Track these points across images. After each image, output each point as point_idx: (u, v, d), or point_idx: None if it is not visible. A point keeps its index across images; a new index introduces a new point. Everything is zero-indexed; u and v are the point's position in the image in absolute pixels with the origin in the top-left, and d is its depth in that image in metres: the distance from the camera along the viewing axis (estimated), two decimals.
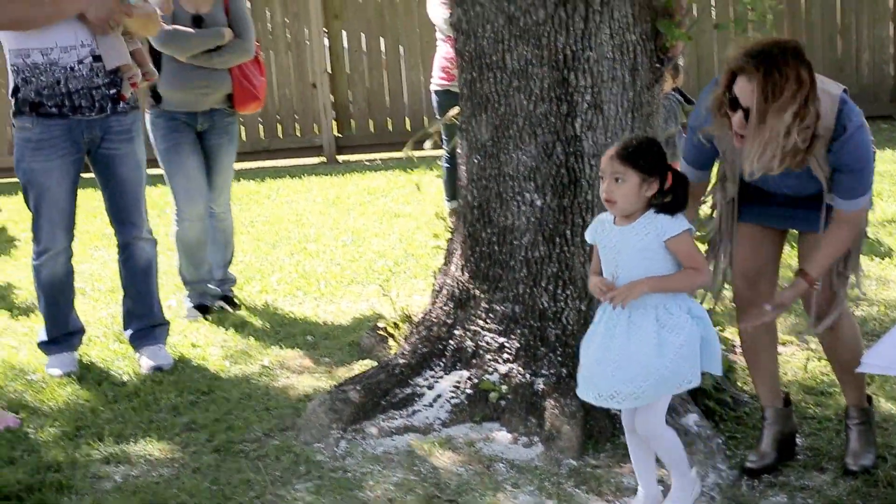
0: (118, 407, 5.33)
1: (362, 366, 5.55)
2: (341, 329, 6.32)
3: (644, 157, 3.85)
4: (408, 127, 12.78)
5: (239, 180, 11.40)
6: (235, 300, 6.92)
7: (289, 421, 5.01)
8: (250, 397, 5.36)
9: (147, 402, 5.40)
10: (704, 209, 4.53)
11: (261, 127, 13.09)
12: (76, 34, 5.55)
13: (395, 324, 5.75)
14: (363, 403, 4.88)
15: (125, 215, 5.87)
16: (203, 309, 6.74)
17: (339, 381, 5.18)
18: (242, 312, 6.73)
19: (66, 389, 5.59)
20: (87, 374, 5.78)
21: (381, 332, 5.81)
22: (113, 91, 5.68)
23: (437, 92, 8.51)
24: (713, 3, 12.61)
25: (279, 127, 13.11)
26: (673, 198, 3.88)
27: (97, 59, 5.61)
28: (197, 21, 6.56)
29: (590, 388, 3.95)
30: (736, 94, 3.84)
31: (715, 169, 4.34)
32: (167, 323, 6.12)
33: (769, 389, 4.50)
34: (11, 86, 5.65)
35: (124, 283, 6.02)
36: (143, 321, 5.99)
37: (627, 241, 3.89)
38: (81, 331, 6.07)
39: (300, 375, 5.63)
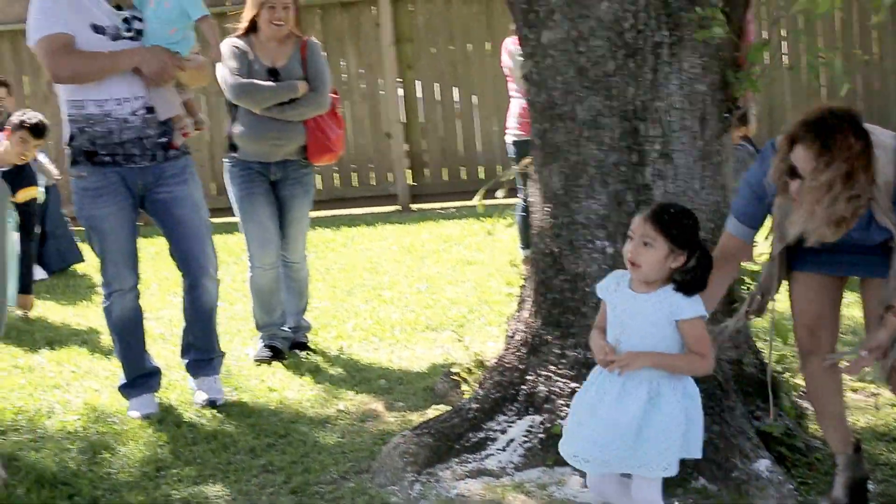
0: (197, 449, 5.44)
1: (436, 410, 5.62)
2: (415, 374, 6.42)
3: (678, 226, 3.81)
4: (481, 175, 12.89)
5: (315, 228, 11.53)
6: (309, 346, 7.04)
7: (364, 464, 5.10)
8: (326, 440, 5.46)
9: (225, 444, 5.52)
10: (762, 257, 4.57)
11: (336, 175, 13.26)
12: (130, 87, 5.73)
13: (468, 369, 5.84)
14: (437, 447, 4.96)
15: (189, 256, 5.99)
16: (274, 350, 6.87)
17: (414, 426, 5.27)
18: (318, 358, 6.84)
19: (146, 431, 5.72)
20: (167, 417, 5.91)
21: (454, 378, 5.90)
22: (164, 139, 5.84)
23: (514, 142, 8.62)
24: (785, 52, 12.62)
25: (354, 175, 13.27)
26: (694, 277, 3.83)
27: (150, 110, 5.78)
28: (273, 73, 6.70)
29: (569, 446, 3.95)
30: (794, 162, 3.89)
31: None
32: (223, 354, 6.31)
33: (839, 435, 4.50)
34: (67, 135, 5.82)
35: (187, 318, 6.17)
36: (202, 354, 6.18)
37: (640, 310, 3.86)
38: (158, 372, 6.21)
39: (375, 419, 5.72)
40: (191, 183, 5.96)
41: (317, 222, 11.83)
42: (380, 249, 10.31)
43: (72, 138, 5.80)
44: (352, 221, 11.97)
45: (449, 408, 5.46)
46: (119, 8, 5.75)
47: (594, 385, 3.93)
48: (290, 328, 7.04)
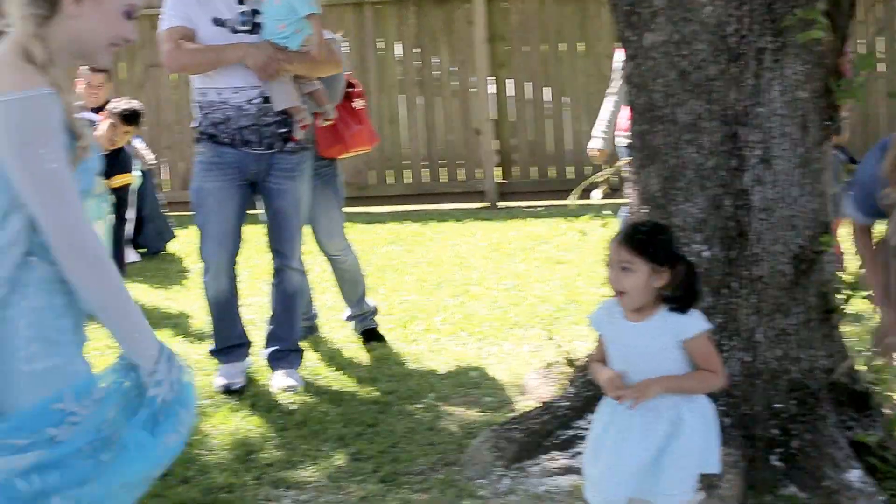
0: (287, 434, 5.53)
1: (524, 406, 5.67)
2: (504, 370, 6.46)
3: (653, 244, 3.65)
4: (570, 175, 12.85)
5: (403, 222, 11.64)
6: (379, 331, 7.15)
7: (452, 456, 5.16)
8: (415, 431, 5.52)
9: (315, 431, 5.60)
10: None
11: (425, 171, 13.32)
12: (246, 77, 5.97)
13: (558, 367, 5.87)
14: (526, 443, 5.01)
15: (279, 245, 6.29)
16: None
17: (503, 421, 5.32)
18: (407, 350, 6.90)
19: (237, 415, 5.82)
20: (258, 402, 6.01)
21: (544, 375, 5.93)
22: (283, 130, 6.05)
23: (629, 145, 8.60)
24: (884, 61, 12.50)
25: (443, 171, 13.32)
26: (685, 292, 3.68)
27: (266, 100, 6.01)
28: None
29: (598, 494, 3.84)
30: None
31: None
32: (301, 351, 6.47)
33: None
34: (196, 117, 6.18)
35: (272, 305, 6.44)
36: (282, 344, 6.35)
37: (642, 339, 3.70)
38: (247, 344, 6.44)
39: (464, 413, 5.78)
40: (299, 179, 6.21)
41: (405, 216, 11.94)
42: (468, 245, 10.35)
43: (197, 121, 6.14)
44: (440, 217, 12.02)
45: (538, 404, 5.50)
46: (241, 2, 6.01)
47: (612, 426, 3.77)
48: (352, 316, 7.21)
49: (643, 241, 3.63)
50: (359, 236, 10.88)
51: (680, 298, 3.67)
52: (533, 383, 5.99)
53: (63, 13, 2.87)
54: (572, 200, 6.95)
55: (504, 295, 8.24)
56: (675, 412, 3.68)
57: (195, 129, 6.18)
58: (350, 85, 6.98)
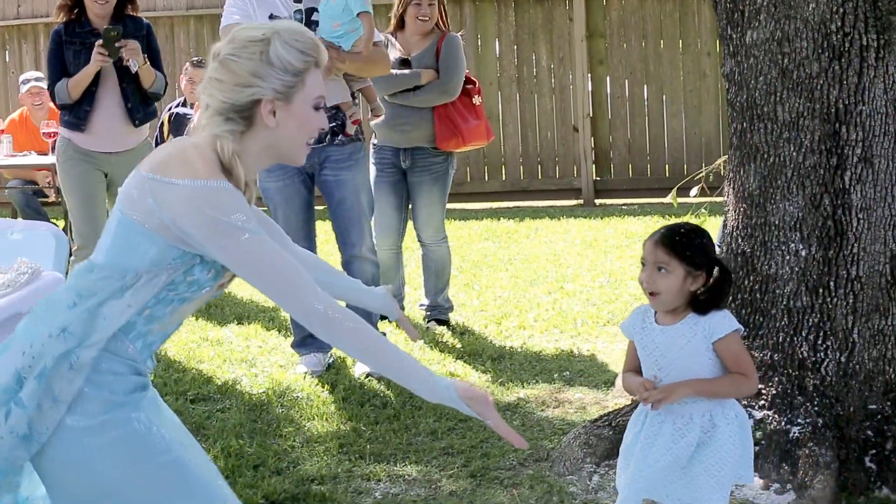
0: (379, 428, 5.55)
1: (616, 404, 5.64)
2: (596, 367, 6.44)
3: (692, 247, 3.58)
4: (666, 174, 12.81)
5: (498, 219, 11.67)
6: (449, 324, 7.32)
7: (542, 452, 5.15)
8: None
9: (406, 425, 5.62)
10: None
11: (521, 168, 13.32)
12: None
13: None
14: (617, 440, 4.95)
15: (345, 235, 6.41)
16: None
17: (594, 418, 5.30)
18: (501, 346, 6.91)
19: (329, 408, 5.86)
20: (351, 396, 6.04)
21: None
22: (333, 124, 6.17)
23: None
24: None
25: (539, 168, 13.31)
26: (712, 294, 3.61)
27: None
28: (404, 63, 7.05)
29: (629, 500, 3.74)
30: None
31: None
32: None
33: None
34: None
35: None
36: None
37: (673, 342, 3.63)
38: None
39: (555, 409, 5.77)
40: (356, 168, 6.34)
41: (500, 213, 11.97)
42: (562, 242, 10.33)
43: None
44: (535, 214, 12.01)
45: (629, 402, 5.47)
46: (298, 0, 6.15)
47: (643, 431, 3.72)
48: (428, 306, 7.41)
49: (682, 242, 3.57)
50: (454, 232, 10.94)
51: (709, 301, 3.60)
52: (624, 382, 5.93)
53: (258, 125, 2.96)
54: (671, 198, 6.91)
55: (598, 292, 8.21)
56: (707, 418, 3.62)
57: None
58: (470, 82, 7.24)
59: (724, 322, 3.60)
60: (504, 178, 13.35)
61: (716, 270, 3.62)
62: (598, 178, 13.15)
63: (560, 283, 8.57)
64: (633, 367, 3.82)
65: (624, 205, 12.41)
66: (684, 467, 3.61)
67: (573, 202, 12.85)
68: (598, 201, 12.88)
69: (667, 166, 12.99)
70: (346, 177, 6.31)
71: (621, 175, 13.20)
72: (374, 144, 7.28)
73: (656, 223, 10.85)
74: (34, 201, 10.37)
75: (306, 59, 2.97)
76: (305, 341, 6.53)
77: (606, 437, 4.98)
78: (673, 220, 9.88)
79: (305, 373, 6.40)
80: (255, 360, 6.78)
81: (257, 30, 2.98)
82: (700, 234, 3.66)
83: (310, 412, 5.82)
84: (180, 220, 2.84)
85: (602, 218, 11.58)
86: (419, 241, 7.42)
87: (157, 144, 8.60)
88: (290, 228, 6.22)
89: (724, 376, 3.61)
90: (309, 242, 6.44)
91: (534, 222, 11.47)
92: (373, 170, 7.19)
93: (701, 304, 3.59)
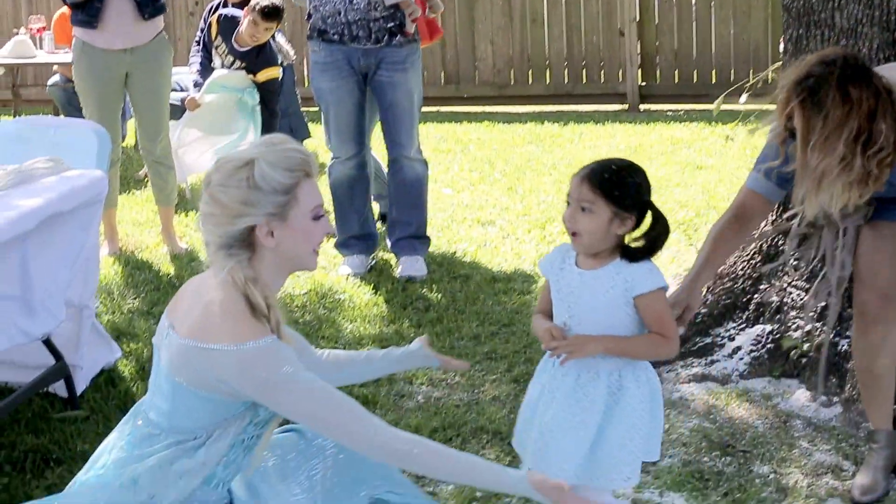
0: (422, 332, 5.53)
1: None
2: None
3: (620, 186, 3.18)
4: (713, 80, 12.63)
5: (543, 123, 11.57)
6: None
7: None
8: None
9: (449, 329, 5.61)
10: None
11: (566, 71, 13.18)
12: None
13: None
14: None
15: (395, 136, 6.44)
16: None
17: None
18: (545, 251, 6.85)
19: (371, 311, 5.87)
20: (394, 298, 6.04)
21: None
22: (391, 24, 6.22)
23: None
24: None
25: (584, 72, 13.16)
26: (646, 241, 3.25)
27: None
28: None
29: (525, 453, 3.46)
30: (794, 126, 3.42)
31: None
32: (428, 238, 6.64)
33: (883, 411, 4.06)
34: (307, 12, 6.39)
35: (392, 194, 6.63)
36: (406, 230, 6.51)
37: (589, 289, 3.25)
38: (371, 237, 6.65)
39: None
40: (410, 71, 6.36)
41: (543, 117, 11.87)
42: (607, 148, 10.22)
43: (308, 16, 6.36)
44: (579, 118, 11.89)
45: (678, 311, 5.42)
46: None
47: (549, 389, 3.35)
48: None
49: (610, 180, 3.18)
50: (498, 136, 10.89)
51: (638, 249, 3.24)
52: (670, 289, 5.88)
53: (261, 248, 2.90)
54: (715, 106, 6.80)
55: None
56: (616, 378, 3.27)
57: (308, 24, 6.41)
58: None
59: (648, 277, 3.23)
60: (548, 82, 13.21)
61: (648, 215, 3.25)
62: (644, 84, 12.97)
63: None
64: (545, 308, 3.44)
65: (669, 111, 12.26)
66: (593, 440, 3.26)
67: (618, 107, 12.71)
68: (642, 107, 12.72)
69: (713, 72, 12.78)
70: (399, 79, 6.32)
71: (667, 80, 13.01)
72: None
73: (701, 130, 10.75)
74: (76, 99, 10.29)
75: (293, 174, 2.88)
76: (348, 242, 6.57)
77: None
78: (720, 128, 9.84)
79: (348, 274, 6.42)
80: None
81: (240, 156, 2.89)
82: (633, 172, 3.25)
83: (352, 314, 5.83)
84: (232, 382, 2.82)
85: (647, 124, 11.45)
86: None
87: (202, 47, 8.51)
88: (341, 128, 6.38)
89: (642, 336, 3.26)
90: (360, 144, 6.48)
91: (578, 127, 11.36)
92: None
93: (630, 251, 3.24)
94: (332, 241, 6.66)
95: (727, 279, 5.14)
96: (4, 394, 4.62)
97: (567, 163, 9.52)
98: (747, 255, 5.13)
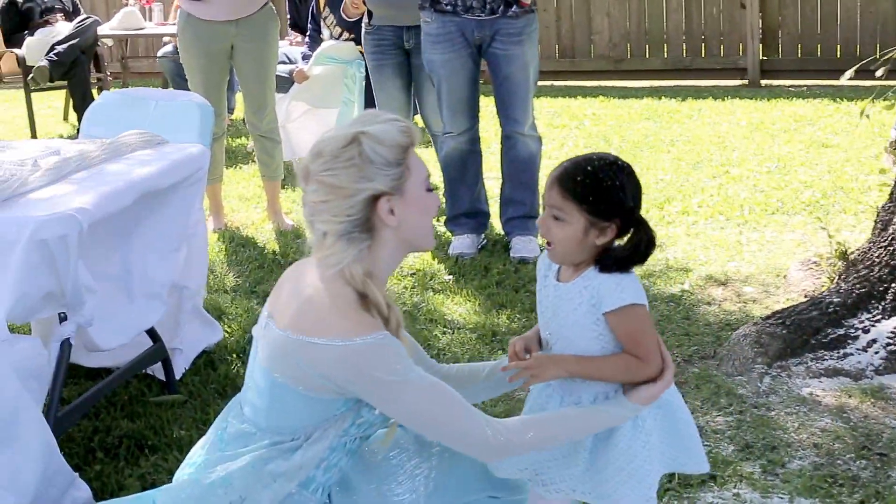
0: (533, 316, 5.22)
1: (788, 300, 5.29)
2: (766, 258, 6.06)
3: (597, 191, 2.67)
4: (838, 55, 12.18)
5: (660, 98, 11.28)
6: None
7: (709, 349, 4.85)
8: (669, 320, 5.21)
9: None
10: None
11: (684, 45, 12.83)
12: None
13: (827, 258, 5.46)
14: (791, 339, 4.65)
15: (509, 111, 6.19)
16: None
17: (765, 314, 4.96)
18: (663, 232, 6.57)
19: (482, 294, 5.65)
20: (505, 281, 5.84)
21: (811, 266, 5.53)
22: None
23: None
24: None
25: (703, 46, 12.80)
26: (625, 251, 2.71)
27: None
28: None
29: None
30: None
31: None
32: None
33: None
34: None
35: (505, 172, 6.41)
36: (519, 209, 6.31)
37: (562, 303, 2.80)
38: (482, 214, 6.47)
39: (721, 303, 5.43)
40: (526, 43, 6.14)
41: (662, 92, 11.58)
42: (727, 124, 9.87)
43: None
44: (698, 93, 11.55)
45: (804, 298, 5.12)
46: None
47: (532, 397, 2.97)
48: None
49: (584, 183, 2.68)
50: (613, 111, 10.64)
51: (616, 259, 2.71)
52: (797, 275, 5.58)
53: (381, 230, 2.66)
54: (845, 79, 6.43)
55: (766, 178, 7.78)
56: (602, 400, 2.79)
57: None
58: None
59: (615, 291, 2.70)
60: (666, 56, 12.88)
61: (632, 224, 2.72)
62: (765, 58, 12.57)
63: (725, 168, 8.17)
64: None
65: (791, 86, 11.85)
66: (587, 462, 2.82)
67: (738, 82, 12.33)
68: (763, 82, 12.32)
69: (838, 47, 12.32)
70: (515, 52, 6.10)
71: (789, 55, 12.58)
72: (371, 25, 6.73)
73: (826, 106, 10.35)
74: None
75: (403, 144, 2.65)
76: (459, 220, 6.38)
77: (780, 335, 4.66)
78: (846, 104, 9.42)
79: (457, 255, 6.21)
80: None
81: (341, 135, 2.65)
82: (614, 173, 2.70)
83: (461, 297, 5.60)
84: (338, 380, 2.59)
85: (768, 100, 11.06)
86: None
87: (311, 18, 8.36)
88: (454, 102, 6.20)
89: (612, 356, 2.75)
90: (473, 118, 6.30)
91: (696, 102, 11.03)
92: (371, 57, 6.78)
93: (604, 260, 2.72)
94: (442, 219, 6.46)
95: (862, 266, 4.83)
96: (102, 378, 4.46)
97: (686, 139, 9.21)
98: (884, 240, 4.80)
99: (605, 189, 2.67)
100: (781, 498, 3.69)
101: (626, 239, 2.72)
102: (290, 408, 2.67)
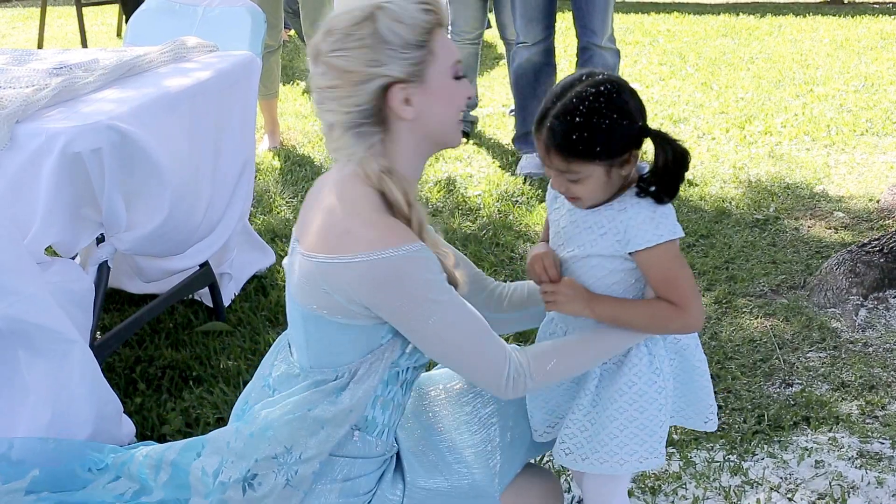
0: None
1: (884, 225, 4.91)
2: (856, 182, 5.68)
3: (598, 139, 2.27)
4: None
5: (738, 14, 10.87)
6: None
7: (798, 278, 4.49)
8: (754, 247, 4.85)
9: None
10: None
11: None
12: None
13: None
14: (890, 269, 4.28)
15: (587, 21, 5.92)
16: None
17: (860, 241, 4.59)
18: (746, 153, 6.19)
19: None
20: None
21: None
22: None
23: None
24: None
25: None
26: (656, 180, 2.29)
27: None
28: None
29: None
30: None
31: None
32: None
33: None
34: None
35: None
36: None
37: (578, 230, 2.42)
38: None
39: (811, 229, 5.06)
40: None
41: (739, 8, 11.15)
42: (810, 41, 9.42)
43: None
44: (777, 10, 11.10)
45: None
46: None
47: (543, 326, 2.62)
48: None
49: (580, 140, 2.27)
50: (688, 28, 10.24)
51: (654, 185, 2.30)
52: (891, 199, 5.19)
53: (395, 123, 2.28)
54: None
55: (853, 97, 7.36)
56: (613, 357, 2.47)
57: None
58: None
59: (650, 226, 2.32)
60: None
61: (658, 142, 2.30)
62: None
63: (809, 86, 7.75)
64: (547, 238, 2.58)
65: (876, 3, 11.33)
66: (588, 413, 2.48)
67: None
68: None
69: None
70: None
71: None
72: None
73: None
74: None
75: (427, 23, 2.25)
76: (528, 138, 5.99)
77: (877, 264, 4.29)
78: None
79: (527, 174, 5.90)
80: (470, 158, 6.24)
81: (356, 10, 2.24)
82: (605, 106, 2.28)
83: (530, 219, 5.27)
84: (365, 301, 2.23)
85: (853, 17, 10.60)
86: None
87: None
88: (529, 9, 5.94)
89: (644, 302, 2.39)
90: (548, 28, 6.01)
91: (776, 19, 10.59)
92: None
93: (649, 189, 2.31)
94: (511, 136, 6.14)
95: None
96: (147, 304, 4.17)
97: (766, 56, 8.78)
98: None
99: (604, 131, 2.27)
100: (882, 443, 3.35)
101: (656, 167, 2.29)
102: (328, 341, 2.33)
